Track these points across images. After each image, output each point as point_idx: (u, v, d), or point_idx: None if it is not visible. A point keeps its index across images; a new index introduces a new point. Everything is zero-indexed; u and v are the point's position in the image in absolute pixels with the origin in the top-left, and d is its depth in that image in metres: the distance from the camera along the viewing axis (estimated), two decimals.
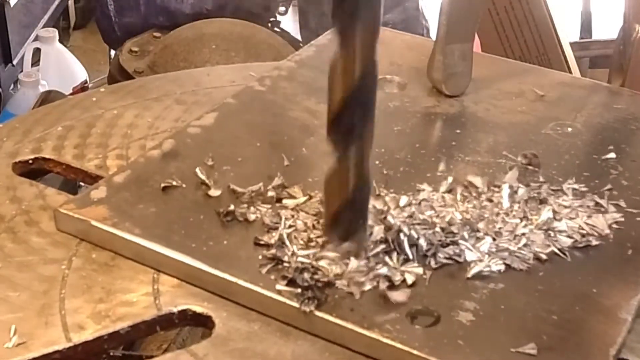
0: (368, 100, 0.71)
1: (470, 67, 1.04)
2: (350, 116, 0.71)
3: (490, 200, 0.84)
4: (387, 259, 0.75)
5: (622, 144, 0.96)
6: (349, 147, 0.72)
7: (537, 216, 0.82)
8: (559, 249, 0.78)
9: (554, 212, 0.82)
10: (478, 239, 0.79)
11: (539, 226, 0.80)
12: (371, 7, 0.68)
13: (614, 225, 0.82)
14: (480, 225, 0.80)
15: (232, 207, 0.81)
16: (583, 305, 0.73)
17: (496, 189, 0.86)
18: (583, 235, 0.80)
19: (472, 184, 0.86)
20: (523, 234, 0.79)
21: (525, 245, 0.78)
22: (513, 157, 0.92)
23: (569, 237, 0.80)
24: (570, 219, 0.82)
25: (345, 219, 0.75)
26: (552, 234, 0.80)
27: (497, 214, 0.82)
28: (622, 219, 0.83)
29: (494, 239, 0.79)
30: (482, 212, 0.82)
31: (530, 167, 0.90)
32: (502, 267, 0.76)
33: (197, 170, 0.85)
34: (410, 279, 0.74)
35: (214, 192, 0.82)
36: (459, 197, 0.84)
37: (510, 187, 0.86)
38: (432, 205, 0.82)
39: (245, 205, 0.82)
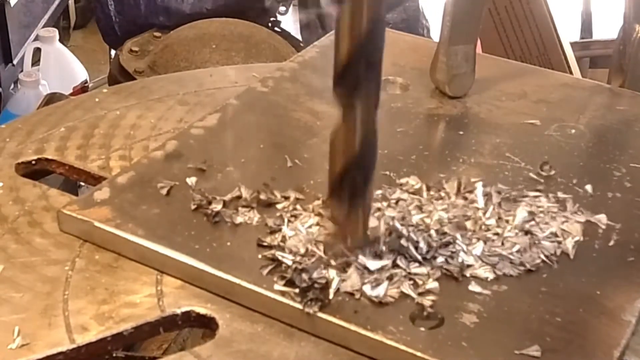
0: (369, 169, 0.72)
1: (474, 68, 1.04)
2: (352, 181, 0.72)
3: (465, 199, 0.84)
4: (390, 261, 0.75)
5: (625, 145, 0.96)
6: (351, 210, 0.73)
7: (512, 217, 0.82)
8: (546, 256, 0.78)
9: (532, 213, 0.82)
10: (470, 240, 0.79)
11: (517, 227, 0.80)
12: (372, 81, 0.69)
13: (617, 228, 0.82)
14: (468, 224, 0.80)
15: (219, 209, 0.81)
16: (587, 307, 0.73)
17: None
18: (560, 243, 0.80)
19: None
20: (509, 237, 0.79)
21: (517, 251, 0.78)
22: (517, 160, 0.92)
23: (551, 241, 0.80)
24: (546, 223, 0.81)
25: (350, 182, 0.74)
26: (536, 241, 0.80)
27: (477, 210, 0.82)
28: (597, 223, 0.83)
29: (485, 242, 0.79)
30: (465, 210, 0.82)
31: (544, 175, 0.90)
32: (492, 276, 0.76)
33: (192, 203, 0.83)
34: (416, 281, 0.74)
35: (215, 206, 0.82)
36: (425, 195, 0.84)
37: (484, 186, 0.86)
38: (419, 206, 0.82)
39: (234, 209, 0.82)
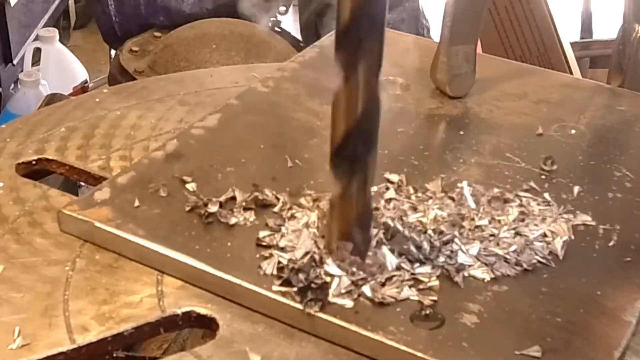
0: (371, 132, 0.72)
1: (474, 69, 1.04)
2: (354, 146, 0.72)
3: (452, 199, 0.84)
4: (391, 261, 0.75)
5: (626, 145, 0.96)
6: (352, 179, 0.73)
7: (504, 217, 0.82)
8: (540, 256, 0.78)
9: (523, 214, 0.82)
10: (467, 239, 0.79)
11: (510, 227, 0.80)
12: (374, 39, 0.68)
13: (617, 229, 0.82)
14: (464, 223, 0.81)
15: (216, 210, 0.81)
16: (587, 307, 0.73)
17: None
18: (549, 244, 0.80)
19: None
20: (505, 237, 0.79)
21: (513, 251, 0.78)
22: (518, 161, 0.92)
23: (540, 242, 0.80)
24: (535, 225, 0.81)
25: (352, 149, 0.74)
26: (527, 242, 0.79)
27: (470, 210, 0.82)
28: (593, 224, 0.83)
29: (481, 242, 0.79)
30: (458, 209, 0.82)
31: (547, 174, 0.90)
32: (491, 276, 0.76)
33: (186, 205, 0.83)
34: (418, 280, 0.74)
35: (212, 207, 0.82)
36: (414, 198, 0.84)
37: (469, 185, 0.86)
38: (413, 206, 0.82)
39: (232, 209, 0.82)
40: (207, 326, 0.74)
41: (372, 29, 0.68)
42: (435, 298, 0.73)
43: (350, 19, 0.67)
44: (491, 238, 0.79)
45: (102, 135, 0.98)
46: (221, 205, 0.82)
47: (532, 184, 0.88)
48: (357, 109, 0.70)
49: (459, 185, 0.86)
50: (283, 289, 0.73)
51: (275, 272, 0.74)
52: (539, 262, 0.78)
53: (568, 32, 1.90)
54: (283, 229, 0.79)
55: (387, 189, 0.85)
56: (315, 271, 0.74)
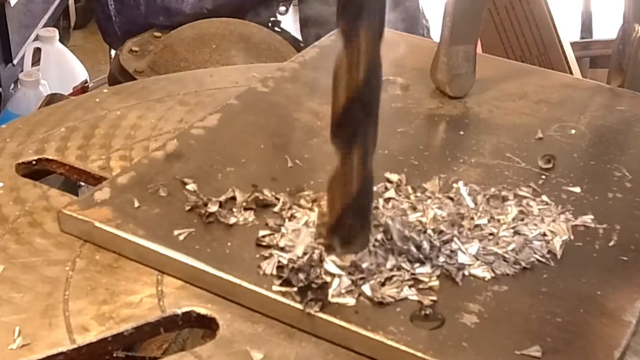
0: (366, 207, 0.74)
1: (474, 69, 1.04)
2: (355, 117, 0.71)
3: (451, 199, 0.84)
4: (391, 261, 0.75)
5: (626, 145, 0.96)
6: (352, 149, 0.72)
7: (503, 216, 0.82)
8: (539, 255, 0.79)
9: (522, 213, 0.82)
10: (466, 238, 0.79)
11: (510, 226, 0.80)
12: (375, 8, 0.68)
13: (617, 229, 0.82)
14: (464, 222, 0.81)
15: (215, 210, 0.81)
16: (587, 307, 0.73)
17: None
18: (548, 243, 0.80)
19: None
20: (504, 237, 0.79)
21: (512, 250, 0.78)
22: (518, 161, 0.92)
23: (540, 241, 0.80)
24: (534, 224, 0.81)
25: (347, 226, 0.75)
26: (527, 241, 0.80)
27: (469, 209, 0.82)
28: (592, 224, 0.83)
29: (480, 241, 0.79)
30: (458, 208, 0.82)
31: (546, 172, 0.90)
32: (490, 275, 0.76)
33: (186, 204, 0.83)
34: (418, 280, 0.74)
35: (211, 207, 0.82)
36: (413, 197, 0.84)
37: (466, 184, 0.86)
38: (412, 206, 0.82)
39: (231, 209, 0.82)
40: (207, 326, 0.74)
41: (366, 116, 0.70)
42: (435, 298, 0.73)
43: (344, 108, 0.69)
44: (490, 237, 0.79)
45: (102, 135, 0.98)
46: (221, 205, 0.82)
47: (532, 184, 0.88)
48: (353, 189, 0.72)
49: (454, 185, 0.86)
50: (283, 289, 0.73)
51: (275, 272, 0.74)
52: (538, 260, 0.78)
53: (568, 32, 1.90)
54: (283, 229, 0.79)
55: (387, 188, 0.85)
56: (315, 271, 0.74)
